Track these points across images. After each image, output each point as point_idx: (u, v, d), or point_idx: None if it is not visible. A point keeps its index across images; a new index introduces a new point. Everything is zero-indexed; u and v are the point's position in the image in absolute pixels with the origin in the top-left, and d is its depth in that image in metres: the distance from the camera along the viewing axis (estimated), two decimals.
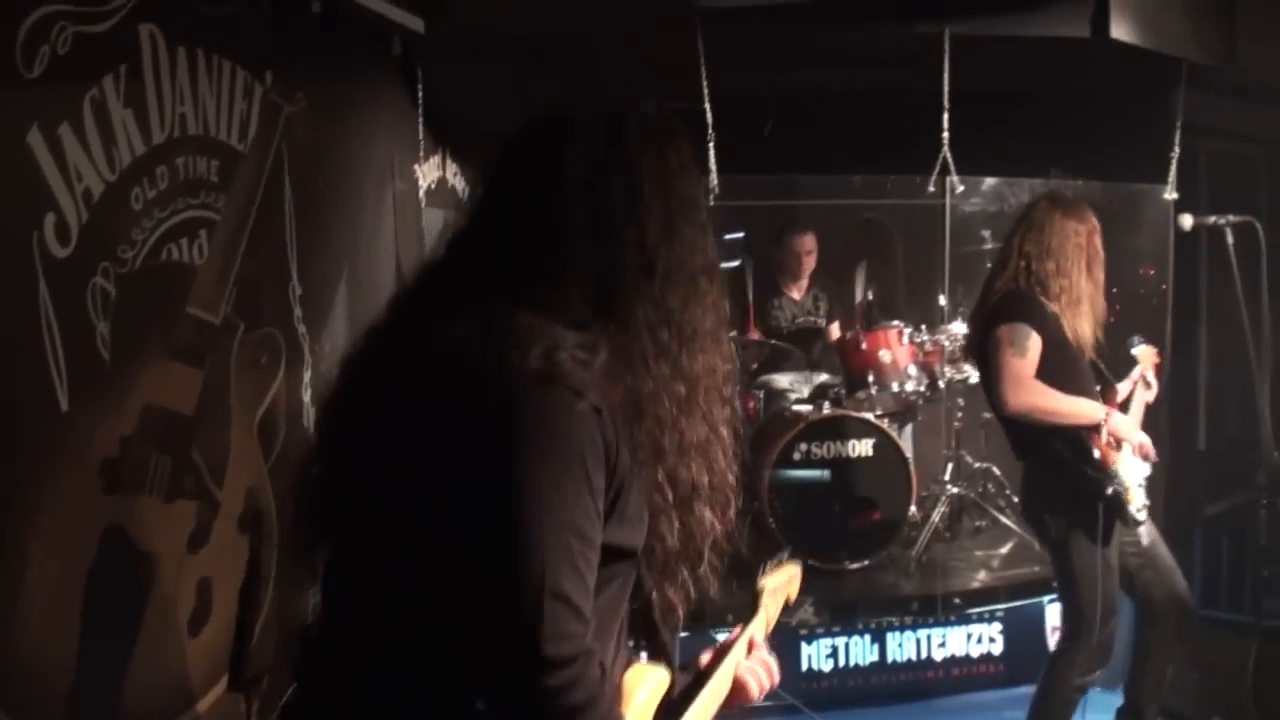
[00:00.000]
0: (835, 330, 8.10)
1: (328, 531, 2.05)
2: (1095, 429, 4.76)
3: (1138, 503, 4.78)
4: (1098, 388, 4.94)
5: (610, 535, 1.88)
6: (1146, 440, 4.90)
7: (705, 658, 2.32)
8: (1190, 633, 5.26)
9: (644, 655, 2.16)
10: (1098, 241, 4.91)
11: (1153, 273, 7.65)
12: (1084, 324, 4.85)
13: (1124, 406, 5.04)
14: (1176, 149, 7.31)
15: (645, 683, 2.05)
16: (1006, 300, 4.87)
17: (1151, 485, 5.02)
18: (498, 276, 1.99)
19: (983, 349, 4.90)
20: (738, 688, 2.31)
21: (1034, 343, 4.74)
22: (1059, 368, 4.78)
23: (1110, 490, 4.71)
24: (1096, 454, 4.74)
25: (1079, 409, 4.77)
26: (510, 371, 1.84)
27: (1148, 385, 5.28)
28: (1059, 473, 4.84)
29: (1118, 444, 4.81)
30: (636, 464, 1.95)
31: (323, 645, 2.01)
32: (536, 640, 1.73)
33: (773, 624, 2.61)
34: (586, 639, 1.80)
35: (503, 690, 1.79)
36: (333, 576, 2.04)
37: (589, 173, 2.02)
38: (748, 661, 2.35)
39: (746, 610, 2.55)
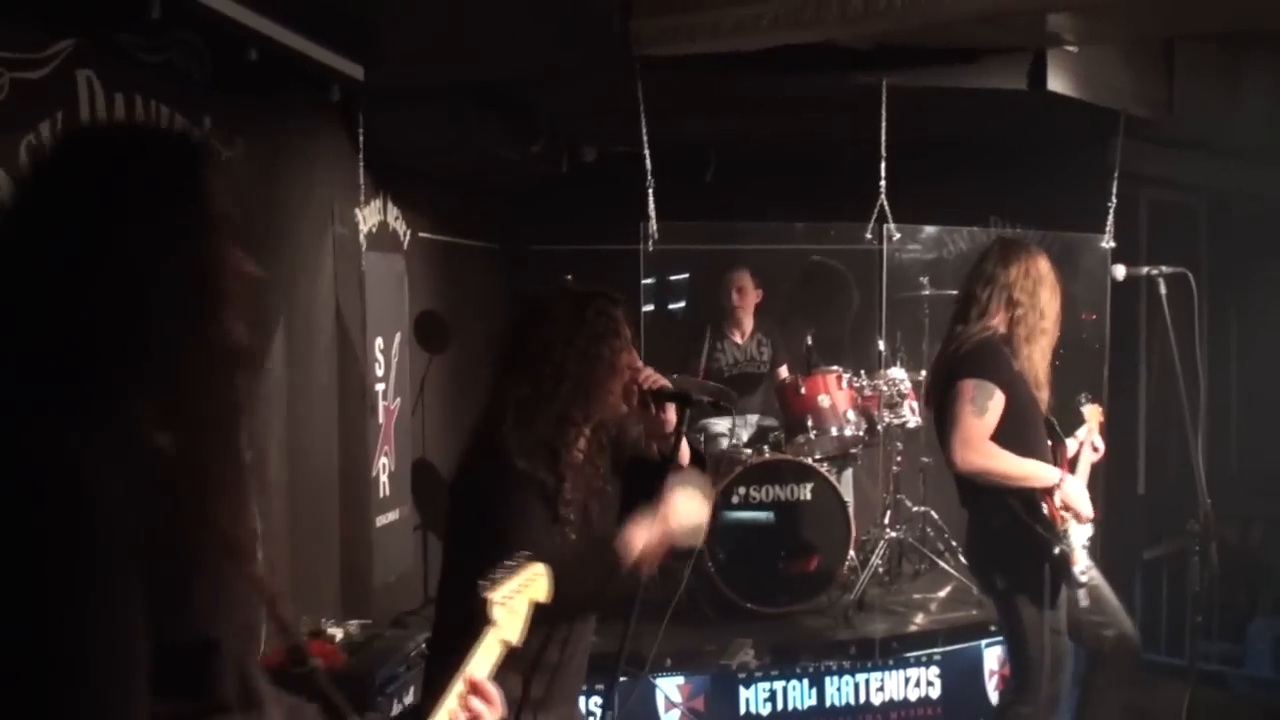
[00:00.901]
0: (783, 372, 8.11)
1: None
2: (1047, 491, 4.82)
3: (1082, 564, 4.81)
4: (1049, 443, 4.98)
5: (178, 630, 1.67)
6: (1090, 511, 4.91)
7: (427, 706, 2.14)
8: (1138, 674, 5.31)
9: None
10: (1052, 276, 4.96)
11: (1094, 317, 7.74)
12: (1041, 356, 4.90)
13: (1071, 465, 5.07)
14: (1113, 199, 7.42)
15: None
16: (976, 352, 4.85)
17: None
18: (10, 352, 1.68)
19: (944, 399, 4.88)
20: None
21: (996, 402, 4.74)
22: (1018, 427, 4.79)
23: (1057, 550, 4.73)
24: (1046, 512, 4.77)
25: (1032, 473, 4.78)
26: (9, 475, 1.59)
27: (1095, 449, 5.27)
28: (1008, 527, 4.84)
29: (1065, 506, 4.84)
30: (188, 543, 1.70)
31: None
32: None
33: (517, 637, 2.40)
34: None
35: None
36: None
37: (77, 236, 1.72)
38: (464, 711, 2.14)
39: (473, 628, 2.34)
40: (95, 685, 1.57)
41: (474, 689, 2.15)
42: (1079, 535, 4.85)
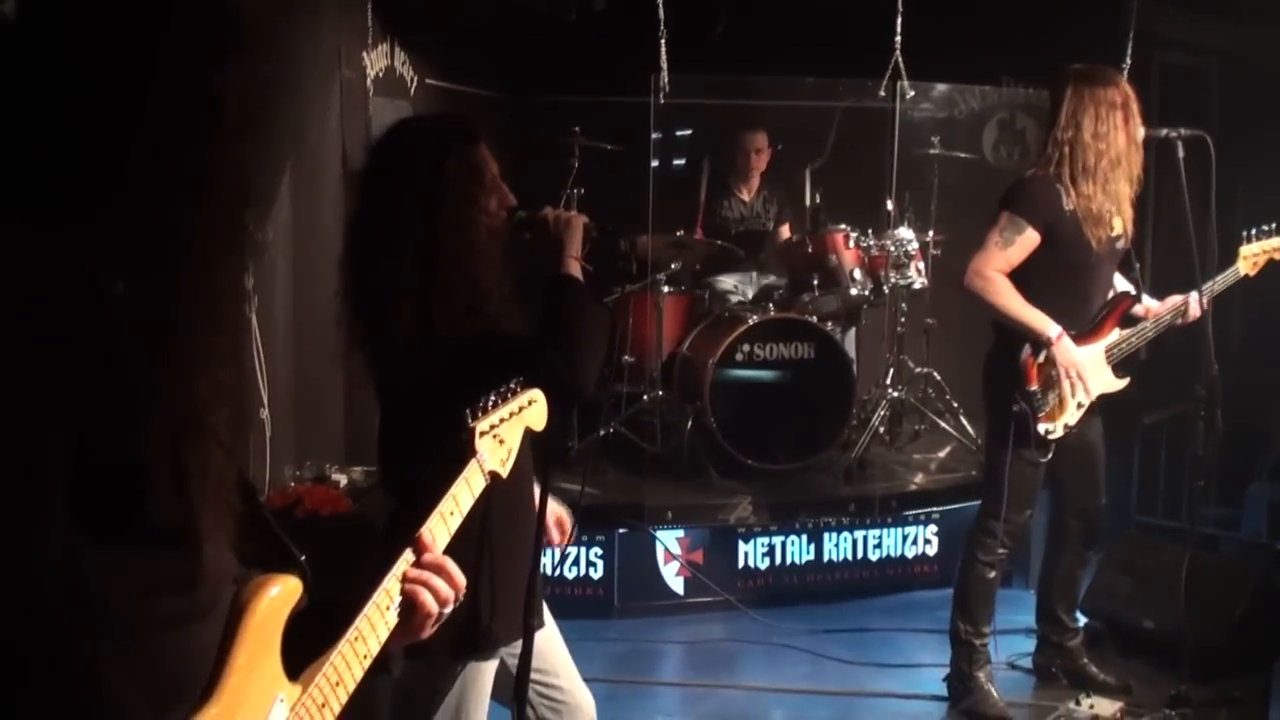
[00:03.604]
0: (785, 231, 8.09)
1: None
2: (1036, 344, 4.81)
3: (1058, 424, 4.83)
4: (1129, 288, 4.98)
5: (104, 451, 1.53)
6: (1082, 382, 4.82)
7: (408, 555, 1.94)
8: (1097, 542, 5.41)
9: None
10: (1133, 104, 4.83)
11: None
12: (1121, 185, 4.79)
13: (1129, 320, 5.03)
14: (1128, 59, 7.30)
15: (268, 589, 1.72)
16: (1019, 186, 4.85)
17: None
18: None
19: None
20: (408, 605, 1.94)
21: (1025, 238, 4.72)
22: (1059, 272, 4.78)
23: (1016, 407, 4.77)
24: (1022, 361, 4.77)
25: (1026, 319, 4.74)
26: None
27: (1185, 315, 5.07)
28: (1000, 361, 4.90)
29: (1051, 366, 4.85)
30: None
31: None
32: None
33: (507, 466, 2.30)
34: None
35: None
36: None
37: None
38: (416, 570, 1.96)
39: (451, 467, 2.17)
40: None
41: (421, 554, 1.98)
42: (1078, 391, 4.86)
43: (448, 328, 2.90)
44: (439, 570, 1.97)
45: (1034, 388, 4.78)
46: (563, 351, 2.95)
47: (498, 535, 3.01)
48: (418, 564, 1.96)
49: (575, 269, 3.14)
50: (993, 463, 5.00)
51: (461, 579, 1.99)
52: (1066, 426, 4.88)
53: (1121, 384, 4.99)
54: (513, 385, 2.41)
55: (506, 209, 3.12)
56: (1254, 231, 5.16)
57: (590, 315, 3.08)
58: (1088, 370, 4.83)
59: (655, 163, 7.63)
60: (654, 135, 7.32)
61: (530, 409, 2.45)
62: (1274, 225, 5.18)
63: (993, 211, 4.88)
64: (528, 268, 3.14)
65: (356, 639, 1.83)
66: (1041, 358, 4.77)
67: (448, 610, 1.98)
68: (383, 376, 3.09)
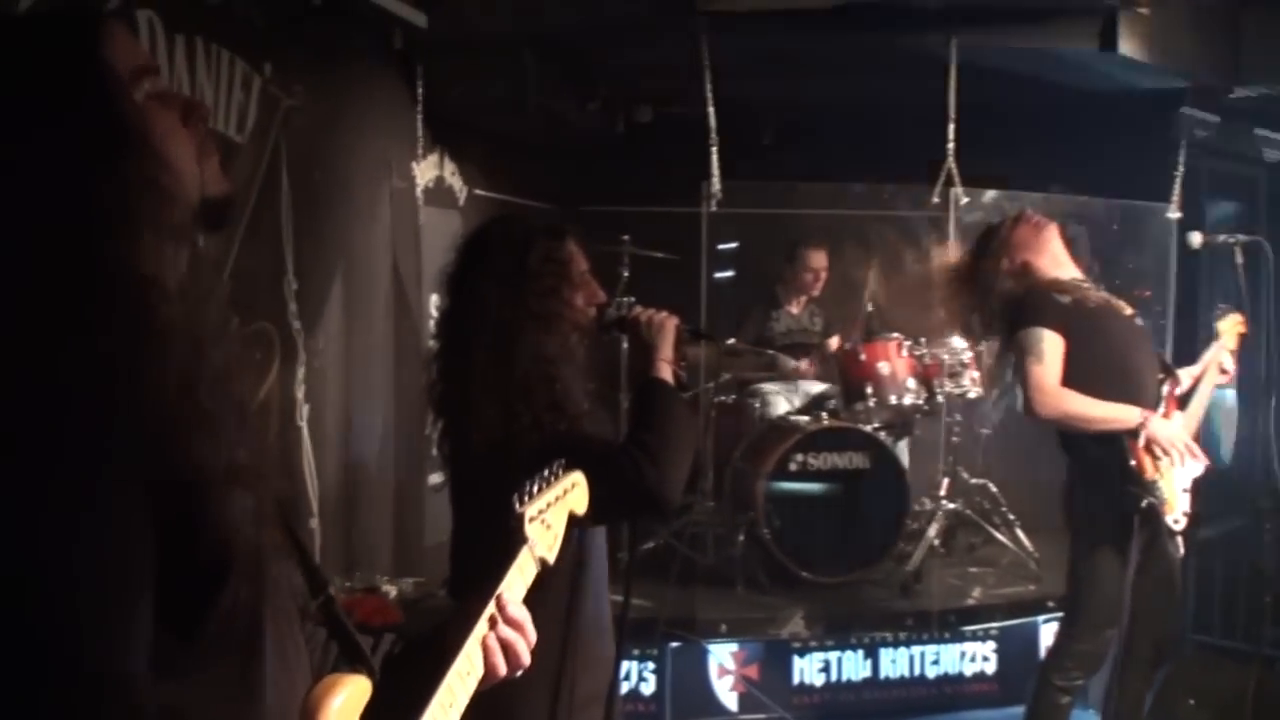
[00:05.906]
0: (835, 342, 8.04)
1: None
2: (1133, 434, 4.64)
3: (1177, 511, 4.65)
4: (1161, 377, 4.79)
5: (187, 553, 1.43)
6: (1189, 447, 4.63)
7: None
8: (1165, 663, 5.19)
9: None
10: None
11: (1149, 294, 7.59)
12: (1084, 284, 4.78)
13: (1187, 396, 4.90)
14: (1180, 168, 7.25)
15: (336, 692, 1.67)
16: (1017, 306, 4.75)
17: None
18: None
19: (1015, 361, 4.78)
20: (487, 665, 1.89)
21: (1050, 345, 4.60)
22: (1093, 365, 4.63)
23: (1145, 503, 4.57)
24: (1132, 463, 4.59)
25: (1113, 415, 4.57)
26: None
27: (1222, 370, 5.03)
28: (1094, 477, 4.70)
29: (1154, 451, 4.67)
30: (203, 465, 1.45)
31: None
32: None
33: (554, 552, 2.22)
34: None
35: None
36: None
37: None
38: (496, 631, 1.91)
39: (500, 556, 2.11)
40: (89, 603, 1.32)
41: (503, 613, 1.92)
42: (1180, 478, 4.68)
43: (528, 426, 2.87)
44: (515, 627, 1.91)
45: (1151, 478, 4.61)
46: (652, 459, 2.89)
47: (575, 645, 2.95)
48: (501, 622, 1.90)
49: (667, 373, 3.11)
50: (1090, 572, 4.79)
51: (532, 637, 1.93)
52: (1185, 515, 4.70)
53: (1203, 464, 4.80)
54: (555, 468, 2.33)
55: (596, 305, 3.09)
56: (1216, 311, 5.14)
57: (682, 423, 3.03)
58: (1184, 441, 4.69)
59: (717, 273, 7.62)
60: (716, 246, 7.30)
61: (574, 492, 2.38)
62: (1225, 306, 5.14)
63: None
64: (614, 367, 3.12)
65: None
66: (1142, 442, 4.60)
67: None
68: (460, 476, 3.04)
